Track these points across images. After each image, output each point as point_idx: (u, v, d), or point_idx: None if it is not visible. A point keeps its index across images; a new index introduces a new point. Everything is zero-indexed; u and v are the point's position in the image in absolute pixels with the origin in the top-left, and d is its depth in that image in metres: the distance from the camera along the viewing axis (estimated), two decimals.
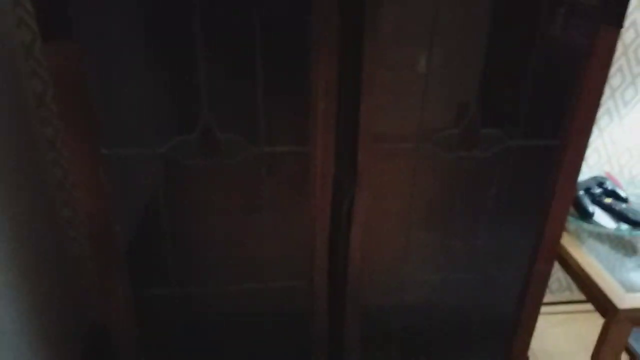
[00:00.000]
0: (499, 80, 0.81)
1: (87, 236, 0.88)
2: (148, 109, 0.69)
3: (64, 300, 1.05)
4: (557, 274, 1.30)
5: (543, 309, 0.90)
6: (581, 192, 1.00)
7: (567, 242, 0.97)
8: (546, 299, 1.34)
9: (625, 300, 0.85)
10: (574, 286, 1.26)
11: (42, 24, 0.61)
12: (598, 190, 1.02)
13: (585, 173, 1.08)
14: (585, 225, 0.97)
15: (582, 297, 0.94)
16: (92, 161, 0.68)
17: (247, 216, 0.84)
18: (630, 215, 0.97)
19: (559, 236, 0.84)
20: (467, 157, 0.75)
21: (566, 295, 1.34)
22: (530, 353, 0.94)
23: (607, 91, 1.07)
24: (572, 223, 0.98)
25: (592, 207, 0.98)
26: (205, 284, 0.81)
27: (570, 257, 0.95)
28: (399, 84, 0.85)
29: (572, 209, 0.99)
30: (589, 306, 0.92)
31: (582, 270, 0.92)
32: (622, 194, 1.03)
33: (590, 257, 0.94)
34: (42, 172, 0.98)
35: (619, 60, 1.04)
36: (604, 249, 0.97)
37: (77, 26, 0.61)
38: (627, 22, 1.00)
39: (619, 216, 0.98)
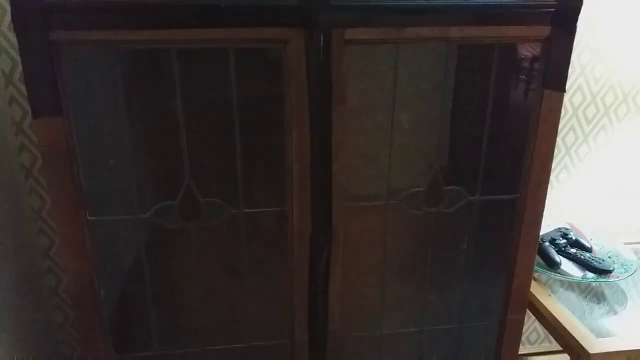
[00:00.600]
0: (459, 140, 0.87)
1: (70, 303, 0.89)
2: (132, 176, 0.74)
3: None
4: (535, 324, 1.33)
5: None
6: (547, 244, 1.06)
7: (538, 291, 1.01)
8: (526, 350, 1.37)
9: (596, 345, 0.88)
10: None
11: (34, 102, 0.67)
12: (563, 241, 1.07)
13: (550, 225, 1.13)
14: (554, 275, 1.01)
15: (560, 347, 0.97)
16: (79, 228, 0.72)
17: (228, 276, 0.87)
18: (595, 264, 1.02)
19: (528, 286, 0.88)
20: (433, 213, 0.80)
21: (545, 346, 1.36)
22: None
23: (562, 149, 1.15)
24: (541, 273, 1.02)
25: (558, 257, 1.03)
26: (187, 345, 0.83)
27: (542, 306, 0.98)
28: (367, 146, 0.91)
29: (540, 260, 1.03)
30: (566, 355, 0.95)
31: (554, 319, 0.95)
32: (586, 243, 1.08)
33: (560, 306, 0.98)
34: (28, 241, 1.00)
35: (571, 120, 1.13)
36: (573, 297, 1.01)
37: (66, 102, 0.67)
38: (575, 86, 1.10)
39: (584, 265, 1.03)
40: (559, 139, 1.13)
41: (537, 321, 1.07)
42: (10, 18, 0.88)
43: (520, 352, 0.95)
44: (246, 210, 0.76)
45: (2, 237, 0.90)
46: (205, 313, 0.81)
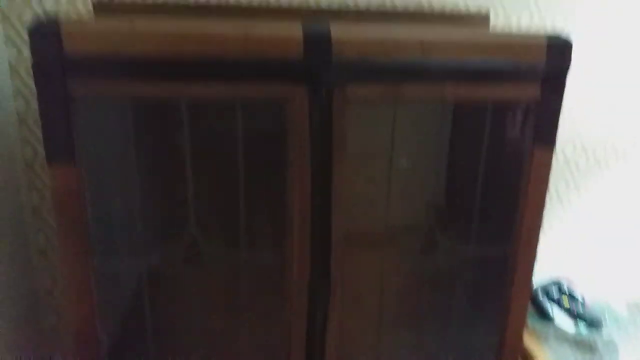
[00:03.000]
0: (454, 193, 0.90)
1: (70, 344, 0.90)
2: (138, 221, 0.76)
3: None
4: None
5: None
6: (540, 295, 1.07)
7: (531, 343, 1.02)
8: None
9: None
10: None
11: (49, 148, 0.70)
12: (556, 293, 1.09)
13: (544, 275, 1.15)
14: (547, 327, 1.02)
15: None
16: (84, 271, 0.74)
17: (227, 320, 0.88)
18: (588, 318, 1.03)
19: (521, 336, 0.89)
20: (428, 263, 0.83)
21: None
22: None
23: (554, 197, 1.18)
24: (535, 324, 1.03)
25: (551, 310, 1.04)
26: None
27: (535, 357, 0.99)
28: (366, 192, 0.94)
29: (534, 311, 1.05)
30: None
31: None
32: (579, 296, 1.10)
33: (553, 357, 0.98)
34: (31, 279, 1.02)
35: (562, 170, 1.16)
36: (566, 348, 1.02)
37: (79, 150, 0.70)
38: (566, 139, 1.14)
39: (577, 317, 1.04)
40: (550, 188, 1.17)
41: None
42: (26, 61, 0.93)
43: None
44: (246, 257, 0.78)
45: (5, 273, 0.91)
46: (204, 356, 0.82)
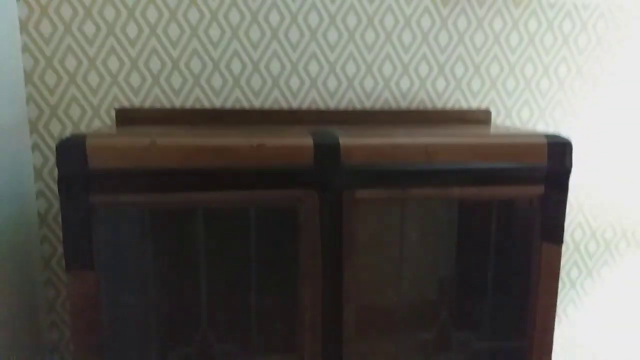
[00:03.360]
0: (465, 288, 0.91)
1: None
2: (151, 323, 0.77)
3: None
4: None
5: None
6: None
7: None
8: None
9: None
10: None
11: (68, 255, 0.73)
12: None
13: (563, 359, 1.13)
14: None
15: None
16: None
17: None
18: None
19: None
20: (442, 357, 0.82)
21: None
22: None
23: (567, 283, 1.17)
24: None
25: None
26: None
27: None
28: (377, 283, 0.95)
29: None
30: None
31: None
32: None
33: None
34: None
35: (573, 255, 1.17)
36: None
37: (97, 258, 0.73)
38: (575, 223, 1.15)
39: None
40: (563, 274, 1.17)
41: None
42: (49, 166, 0.98)
43: None
44: (259, 357, 0.78)
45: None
46: None
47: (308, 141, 0.75)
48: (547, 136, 0.80)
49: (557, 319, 1.19)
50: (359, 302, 0.79)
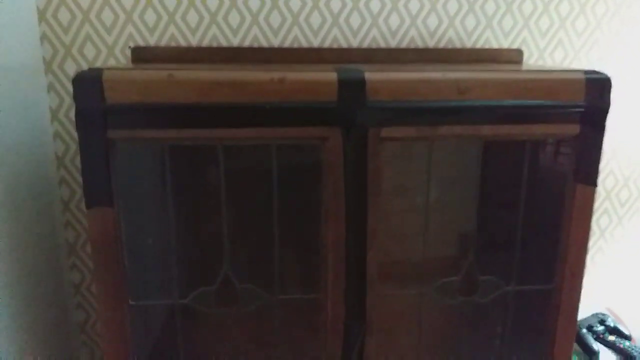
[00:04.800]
0: (493, 229, 0.88)
1: None
2: (172, 262, 0.77)
3: None
4: None
5: None
6: (584, 331, 1.03)
7: None
8: None
9: None
10: None
11: (88, 193, 0.71)
12: (601, 328, 1.05)
13: (588, 309, 1.11)
14: None
15: None
16: (120, 312, 0.74)
17: None
18: (635, 353, 0.99)
19: None
20: (467, 302, 0.80)
21: None
22: None
23: (596, 231, 1.14)
24: None
25: (596, 346, 1.00)
26: None
27: None
28: (401, 228, 0.93)
29: (577, 348, 1.01)
30: None
31: None
32: (625, 330, 1.05)
33: None
34: (65, 314, 1.04)
35: (604, 203, 1.13)
36: None
37: (117, 194, 0.71)
38: (606, 171, 1.11)
39: (624, 354, 1.00)
40: (592, 222, 1.13)
41: None
42: (66, 107, 0.96)
43: None
44: (281, 297, 0.78)
45: (42, 308, 0.93)
46: None
47: (331, 76, 0.71)
48: (586, 72, 0.75)
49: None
50: (383, 244, 0.77)
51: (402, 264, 0.91)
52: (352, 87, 0.71)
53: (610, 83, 0.75)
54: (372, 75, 0.72)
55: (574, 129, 0.75)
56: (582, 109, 0.74)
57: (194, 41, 0.95)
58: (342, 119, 0.72)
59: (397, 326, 0.88)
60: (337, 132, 0.72)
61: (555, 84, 0.74)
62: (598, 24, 1.03)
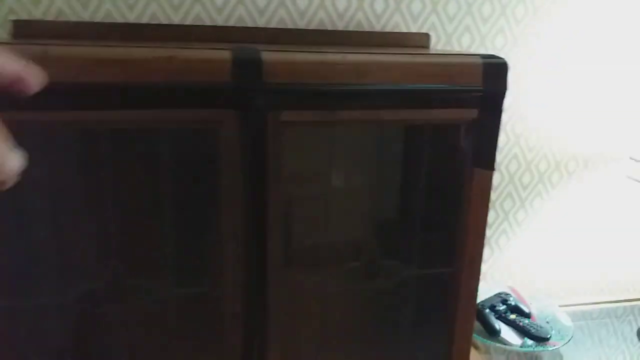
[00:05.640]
0: (395, 217, 0.89)
1: None
2: (55, 258, 0.71)
3: None
4: None
5: None
6: (487, 310, 1.07)
7: (478, 358, 1.02)
8: None
9: None
10: None
11: None
12: (502, 307, 1.09)
13: (492, 289, 1.15)
14: (493, 343, 1.02)
15: None
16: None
17: (158, 357, 0.83)
18: (533, 331, 1.03)
19: (467, 354, 0.88)
20: (370, 288, 0.80)
21: None
22: None
23: (500, 214, 1.18)
24: (481, 341, 1.03)
25: (497, 325, 1.04)
26: None
27: None
28: (305, 216, 0.91)
29: (480, 327, 1.04)
30: None
31: None
32: (525, 309, 1.10)
33: None
34: None
35: (508, 186, 1.17)
36: None
37: None
38: (510, 154, 1.15)
39: (523, 332, 1.04)
40: (497, 205, 1.17)
41: None
42: None
43: None
44: (176, 289, 0.74)
45: None
46: None
47: (225, 55, 0.67)
48: (483, 56, 0.76)
49: (489, 250, 1.21)
50: (285, 234, 0.75)
51: (307, 251, 0.89)
52: (248, 68, 0.68)
53: (507, 67, 0.76)
54: (270, 55, 0.69)
55: (472, 113, 0.76)
56: (480, 94, 0.75)
57: (85, 15, 0.88)
58: (238, 102, 0.68)
59: (302, 314, 0.86)
60: (233, 115, 0.68)
61: (454, 68, 0.74)
62: (503, 10, 1.06)
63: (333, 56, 0.72)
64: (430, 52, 0.85)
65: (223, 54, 0.67)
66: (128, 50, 0.66)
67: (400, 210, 0.88)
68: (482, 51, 1.07)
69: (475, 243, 0.82)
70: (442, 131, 0.83)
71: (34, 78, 0.35)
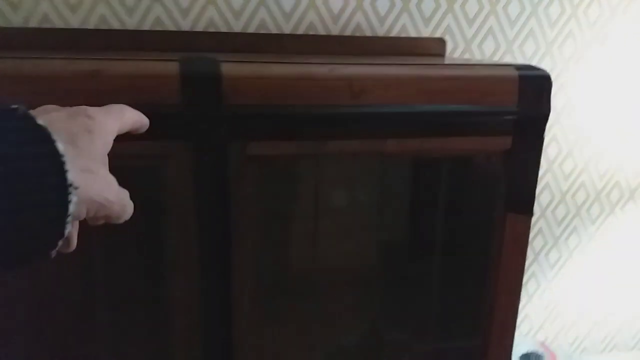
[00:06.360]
0: (402, 277, 0.70)
1: None
2: None
3: None
4: None
5: None
6: None
7: None
8: None
9: None
10: None
11: None
12: None
13: (518, 345, 0.97)
14: None
15: None
16: None
17: None
18: None
19: None
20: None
21: None
22: None
23: (530, 254, 1.00)
24: None
25: None
26: None
27: None
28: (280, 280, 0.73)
29: None
30: None
31: None
32: None
33: None
34: None
35: (538, 222, 0.98)
36: None
37: None
38: (542, 184, 0.96)
39: None
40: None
41: None
42: None
43: None
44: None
45: None
46: None
47: (171, 67, 0.50)
48: (518, 67, 0.58)
49: None
50: (253, 297, 0.57)
51: (278, 306, 0.71)
52: (203, 85, 0.50)
53: (550, 82, 0.58)
54: (232, 67, 0.52)
55: (505, 142, 0.58)
56: (515, 117, 0.57)
57: (17, 21, 0.71)
58: (189, 131, 0.51)
59: None
60: (183, 148, 0.51)
61: (479, 83, 0.57)
62: (534, 10, 0.88)
63: (319, 69, 0.54)
64: (447, 63, 0.67)
65: (168, 67, 0.50)
66: (36, 63, 0.49)
67: (410, 267, 0.70)
68: (509, 60, 0.89)
69: (508, 306, 0.64)
70: (465, 165, 0.65)
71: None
